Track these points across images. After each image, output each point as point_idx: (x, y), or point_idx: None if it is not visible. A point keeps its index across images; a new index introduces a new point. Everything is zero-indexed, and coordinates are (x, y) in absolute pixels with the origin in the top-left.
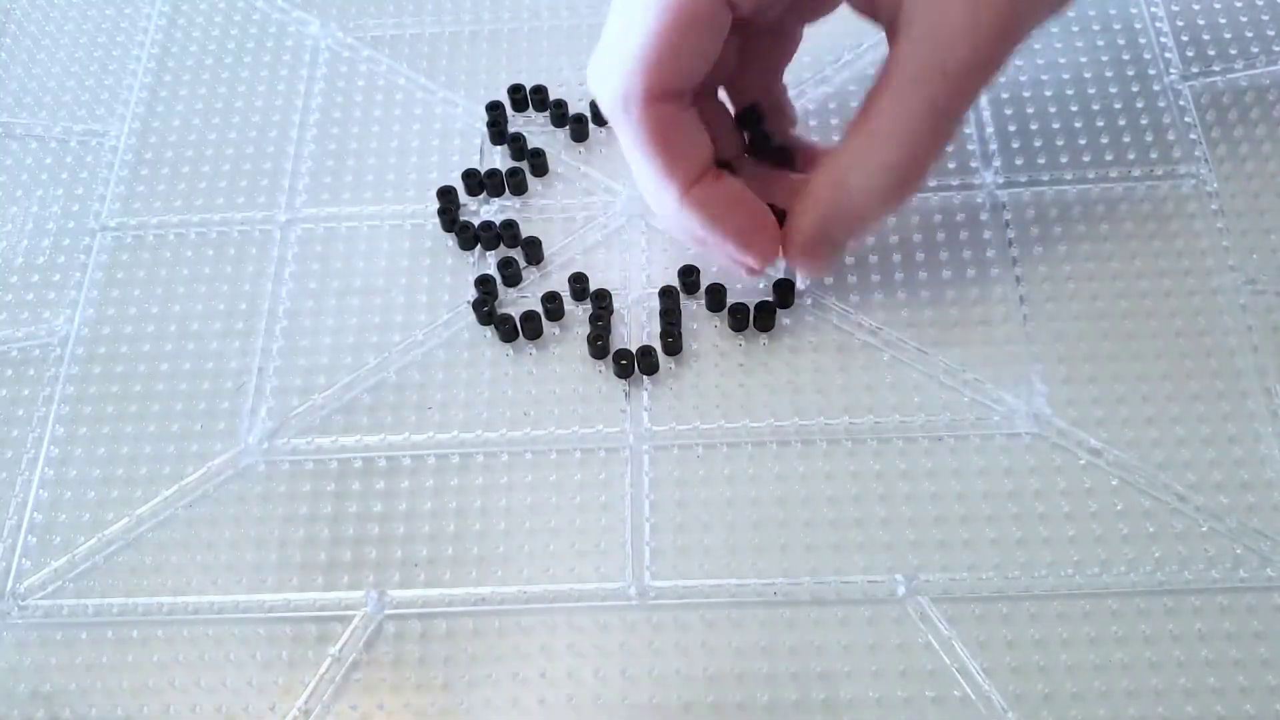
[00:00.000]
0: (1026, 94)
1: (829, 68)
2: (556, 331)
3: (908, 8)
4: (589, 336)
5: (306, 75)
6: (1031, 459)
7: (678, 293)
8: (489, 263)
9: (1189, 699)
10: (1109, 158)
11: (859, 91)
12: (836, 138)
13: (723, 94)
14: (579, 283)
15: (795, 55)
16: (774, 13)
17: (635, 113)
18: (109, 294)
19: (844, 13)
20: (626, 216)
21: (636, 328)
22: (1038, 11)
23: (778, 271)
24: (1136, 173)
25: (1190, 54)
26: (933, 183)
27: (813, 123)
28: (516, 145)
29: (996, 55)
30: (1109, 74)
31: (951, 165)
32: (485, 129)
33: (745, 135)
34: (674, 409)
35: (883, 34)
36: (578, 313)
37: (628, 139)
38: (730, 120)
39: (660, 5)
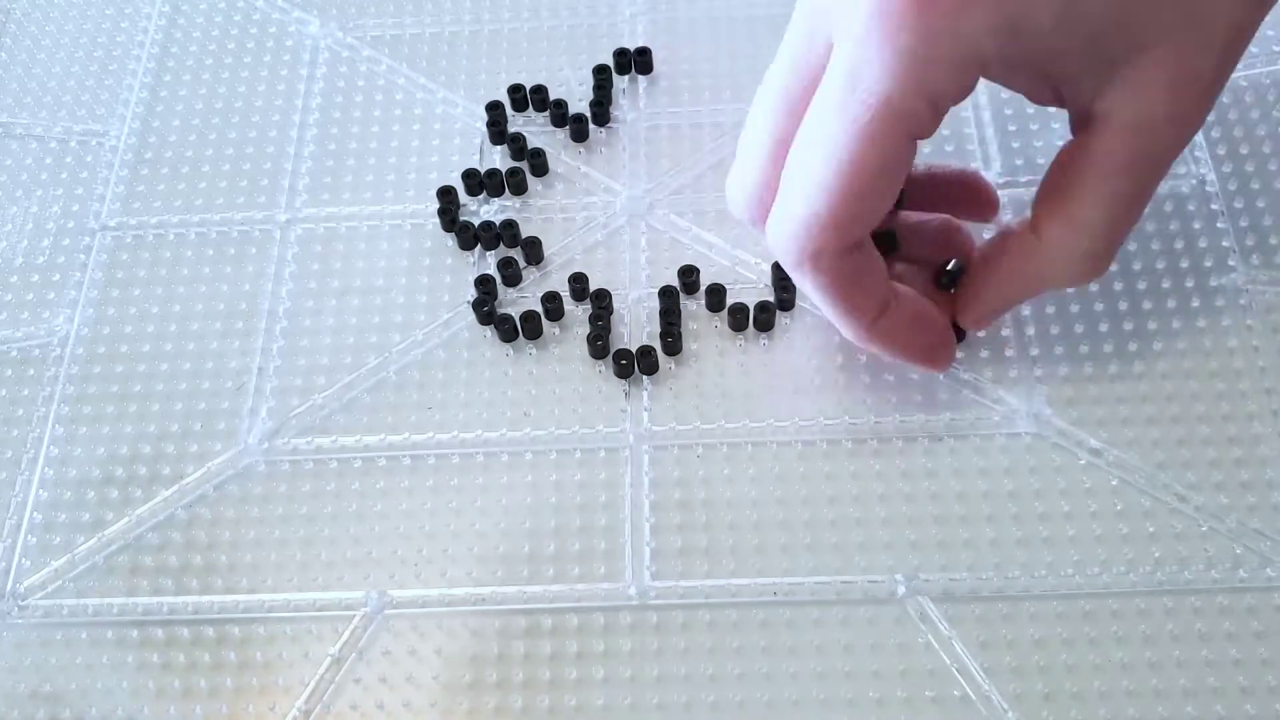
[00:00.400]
0: None
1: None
2: (556, 331)
3: (1107, 98)
4: (589, 336)
5: (306, 75)
6: (1031, 459)
7: (678, 293)
8: (489, 263)
9: (1189, 699)
10: None
11: None
12: None
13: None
14: (579, 283)
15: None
16: None
17: (824, 269)
18: (109, 294)
19: None
20: (626, 216)
21: (636, 328)
22: (1228, 75)
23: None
24: None
25: None
26: None
27: None
28: (516, 145)
29: (1193, 134)
30: None
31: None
32: (485, 129)
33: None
34: (674, 409)
35: None
36: (578, 313)
37: (811, 290)
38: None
39: (848, 158)
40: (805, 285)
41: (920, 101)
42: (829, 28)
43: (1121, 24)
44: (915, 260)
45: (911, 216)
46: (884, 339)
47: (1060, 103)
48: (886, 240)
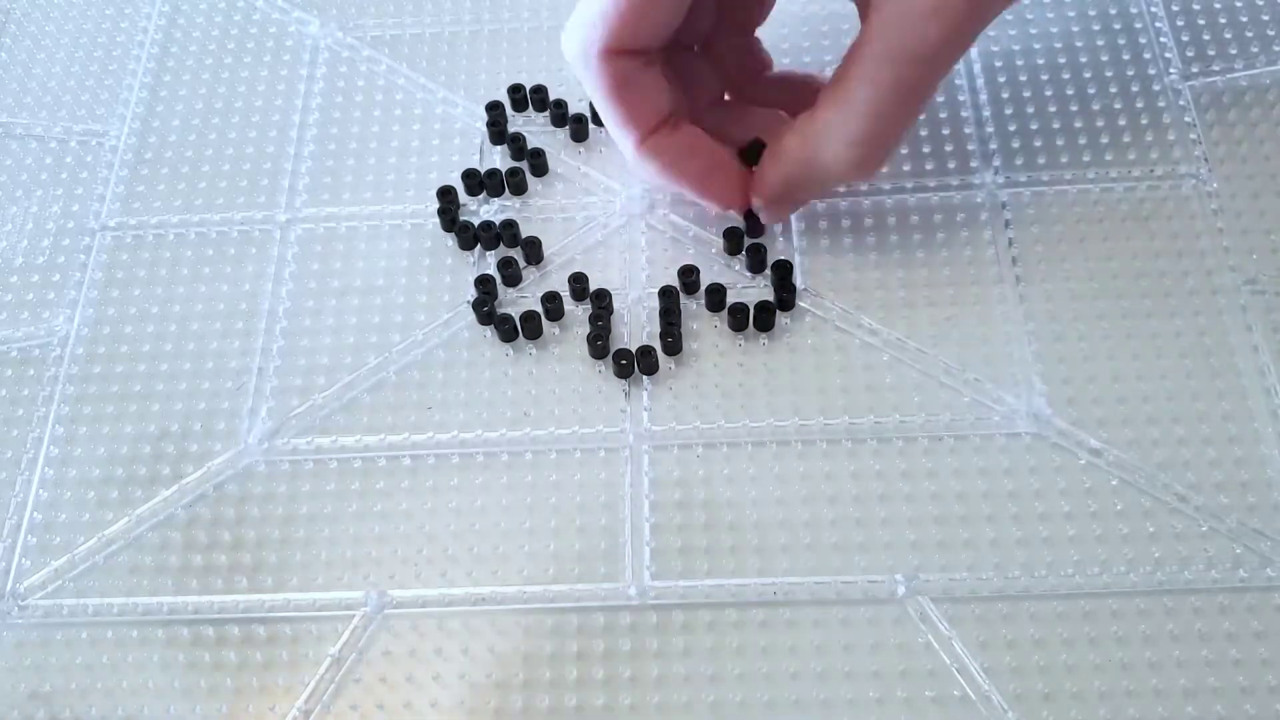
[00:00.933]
0: (1026, 94)
1: (829, 68)
2: (556, 331)
3: None
4: (589, 336)
5: (306, 75)
6: (1031, 459)
7: (678, 293)
8: (489, 263)
9: (1189, 699)
10: (1109, 158)
11: None
12: None
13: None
14: (579, 283)
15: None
16: None
17: (593, 65)
18: (109, 294)
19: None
20: (626, 216)
21: (636, 328)
22: None
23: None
24: (1136, 173)
25: (1190, 54)
26: (932, 183)
27: None
28: (516, 145)
29: (964, 36)
30: (1109, 74)
31: (951, 165)
32: (485, 129)
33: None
34: (674, 409)
35: None
36: (578, 313)
37: (588, 89)
38: (707, 71)
39: None
40: (587, 85)
41: None
42: None
43: None
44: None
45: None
46: (656, 157)
47: None
48: (751, 153)
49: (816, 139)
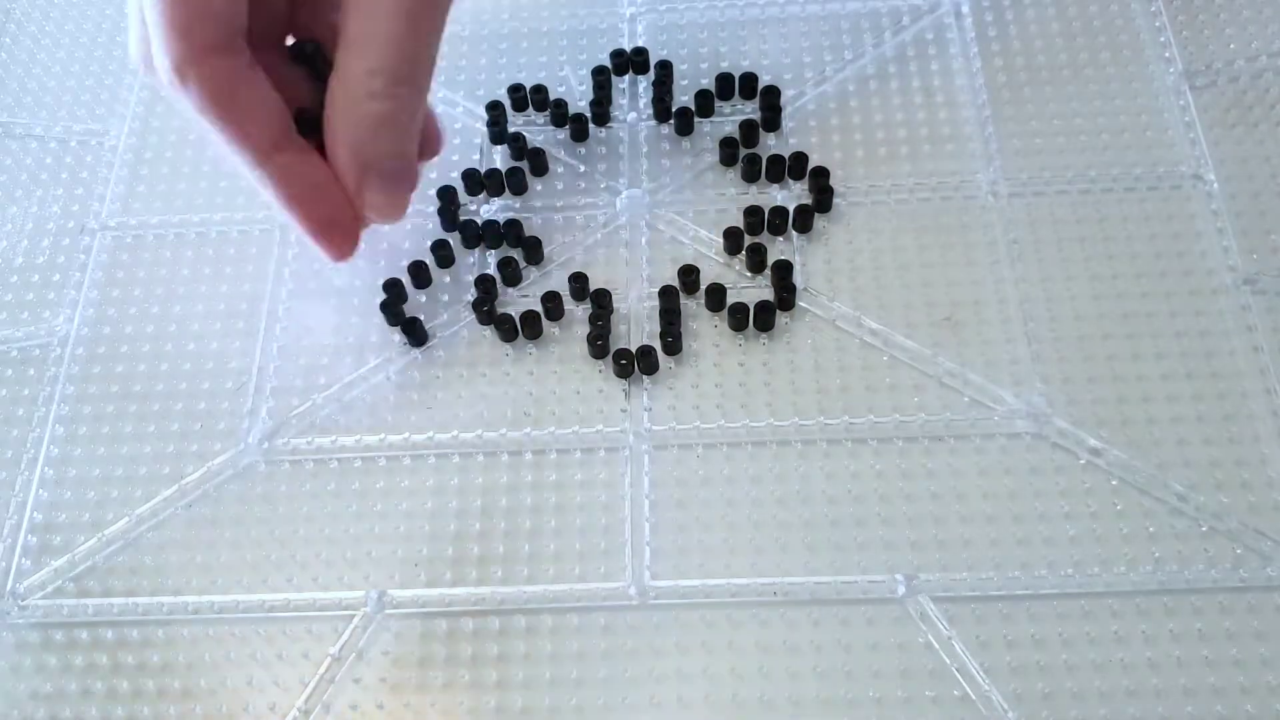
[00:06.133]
0: (1026, 94)
1: (829, 68)
2: (556, 331)
3: None
4: (589, 336)
5: None
6: (1031, 459)
7: (678, 293)
8: (489, 262)
9: (1189, 699)
10: (1109, 157)
11: (859, 91)
12: (837, 138)
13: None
14: (579, 283)
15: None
16: None
17: (191, 80)
18: (109, 294)
19: (839, 18)
20: (626, 216)
21: (636, 328)
22: None
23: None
24: (1137, 172)
25: (1190, 54)
26: (932, 182)
27: (813, 123)
28: (516, 145)
29: None
30: (1109, 74)
31: (951, 165)
32: (485, 129)
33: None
34: (674, 409)
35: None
36: (578, 313)
37: (196, 114)
38: (303, 73)
39: None
40: (190, 109)
41: None
42: None
43: None
44: None
45: None
46: (281, 179)
47: None
48: (305, 55)
49: (351, 91)
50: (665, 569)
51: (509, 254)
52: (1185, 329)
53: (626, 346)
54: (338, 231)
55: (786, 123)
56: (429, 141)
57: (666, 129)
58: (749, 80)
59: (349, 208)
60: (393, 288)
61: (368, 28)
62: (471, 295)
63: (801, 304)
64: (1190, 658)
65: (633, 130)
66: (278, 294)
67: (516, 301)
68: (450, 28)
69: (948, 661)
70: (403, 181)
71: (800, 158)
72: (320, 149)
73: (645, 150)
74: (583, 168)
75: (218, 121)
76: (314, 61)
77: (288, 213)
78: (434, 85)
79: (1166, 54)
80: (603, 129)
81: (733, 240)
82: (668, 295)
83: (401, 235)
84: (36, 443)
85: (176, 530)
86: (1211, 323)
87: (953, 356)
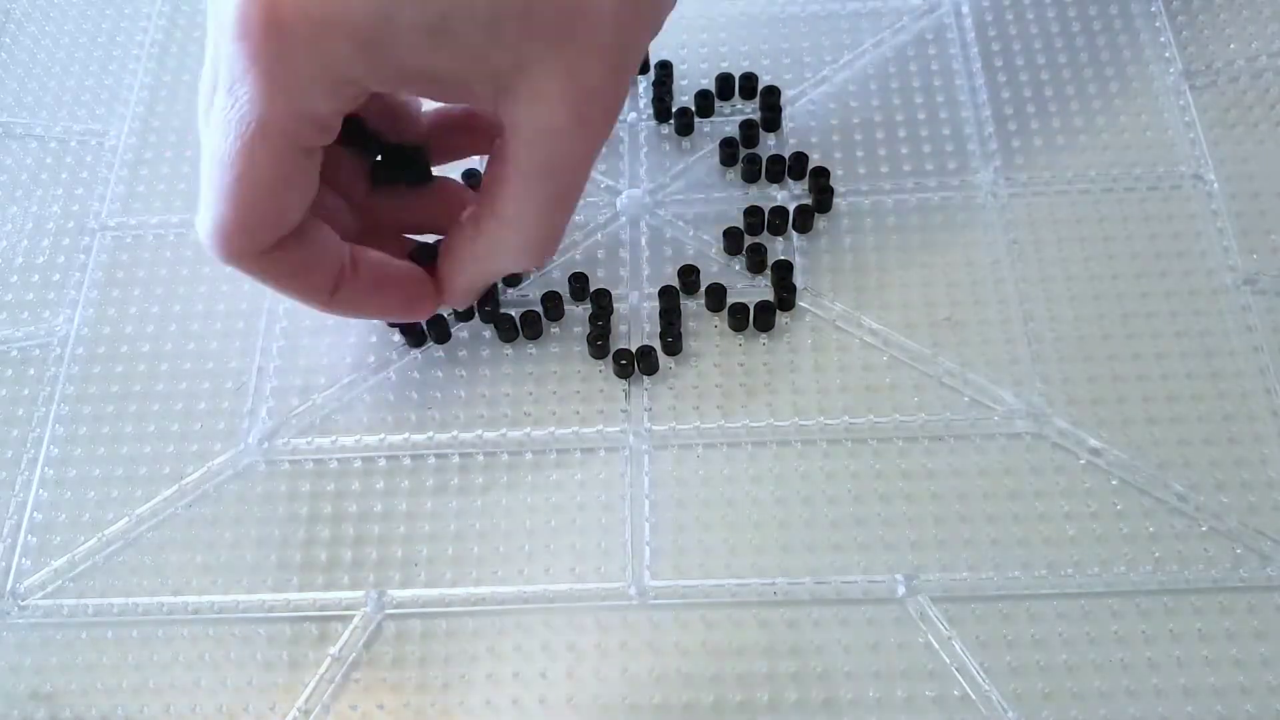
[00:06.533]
0: (1027, 94)
1: (829, 68)
2: (556, 331)
3: (509, 110)
4: (589, 336)
5: None
6: (1031, 459)
7: (678, 293)
8: None
9: (1189, 699)
10: (1109, 157)
11: (859, 91)
12: (837, 138)
13: None
14: (579, 283)
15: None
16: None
17: (252, 267)
18: (109, 294)
19: (839, 18)
20: (626, 216)
21: (636, 328)
22: (629, 83)
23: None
24: (1137, 172)
25: (1190, 54)
26: (932, 183)
27: (813, 123)
28: None
29: (602, 139)
30: (1109, 74)
31: (951, 165)
32: None
33: (366, 162)
34: (674, 409)
35: (883, 36)
36: (578, 312)
37: (258, 282)
38: (351, 162)
39: (238, 171)
40: (259, 280)
41: (296, 121)
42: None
43: (499, 41)
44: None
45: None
46: (348, 308)
47: (474, 103)
48: (353, 133)
49: (490, 250)
50: (665, 569)
51: None
52: (1185, 329)
53: (626, 346)
54: (416, 305)
55: (786, 123)
56: None
57: (666, 129)
58: (749, 80)
59: (415, 280)
60: None
61: (523, 214)
62: None
63: (801, 304)
64: (1190, 658)
65: (633, 130)
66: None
67: (517, 301)
68: None
69: (948, 661)
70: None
71: (800, 158)
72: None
73: (645, 150)
74: None
75: (283, 291)
76: (357, 138)
77: (369, 317)
78: None
79: (1166, 54)
80: None
81: (733, 240)
82: (668, 295)
83: None
84: (36, 443)
85: (176, 530)
86: (1211, 323)
87: (953, 356)
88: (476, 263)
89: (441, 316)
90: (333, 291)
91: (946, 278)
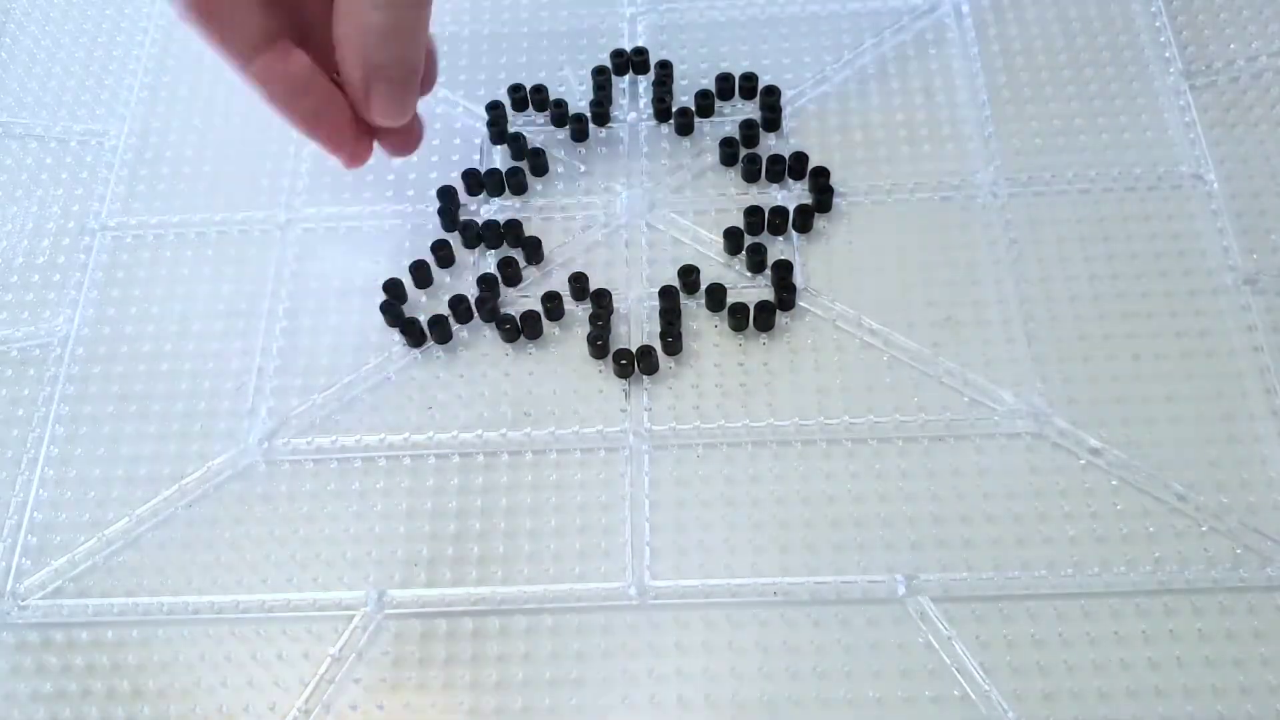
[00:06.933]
0: (1027, 94)
1: (829, 67)
2: (556, 331)
3: None
4: (589, 336)
5: None
6: (1031, 459)
7: (678, 293)
8: (489, 262)
9: (1189, 699)
10: (1109, 157)
11: (859, 90)
12: (837, 138)
13: None
14: (579, 283)
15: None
16: None
17: None
18: (109, 294)
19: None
20: (626, 216)
21: (636, 328)
22: None
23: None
24: (1137, 172)
25: (1190, 54)
26: (932, 182)
27: (813, 123)
28: (516, 145)
29: None
30: (1109, 74)
31: (951, 165)
32: (485, 129)
33: None
34: (674, 409)
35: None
36: (578, 313)
37: (176, 15)
38: None
39: None
40: (174, 7)
41: None
42: None
43: None
44: None
45: None
46: (264, 86)
47: None
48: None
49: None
50: (665, 569)
51: (509, 254)
52: (1185, 329)
53: (626, 346)
54: (330, 128)
55: (786, 123)
56: (425, 74)
57: (666, 129)
58: (749, 80)
59: (343, 106)
60: (393, 288)
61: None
62: (472, 295)
63: (801, 304)
64: (1190, 657)
65: (633, 130)
66: (278, 294)
67: (517, 301)
68: (450, 28)
69: (948, 661)
70: (408, 88)
71: (800, 158)
72: None
73: (645, 150)
74: (583, 168)
75: (196, 27)
76: None
77: (280, 114)
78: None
79: (1166, 54)
80: (603, 129)
81: (733, 240)
82: (668, 295)
83: (402, 235)
84: (36, 443)
85: (176, 530)
86: (1211, 323)
87: (953, 356)
88: (350, 21)
89: (442, 317)
90: (250, 55)
91: (946, 278)
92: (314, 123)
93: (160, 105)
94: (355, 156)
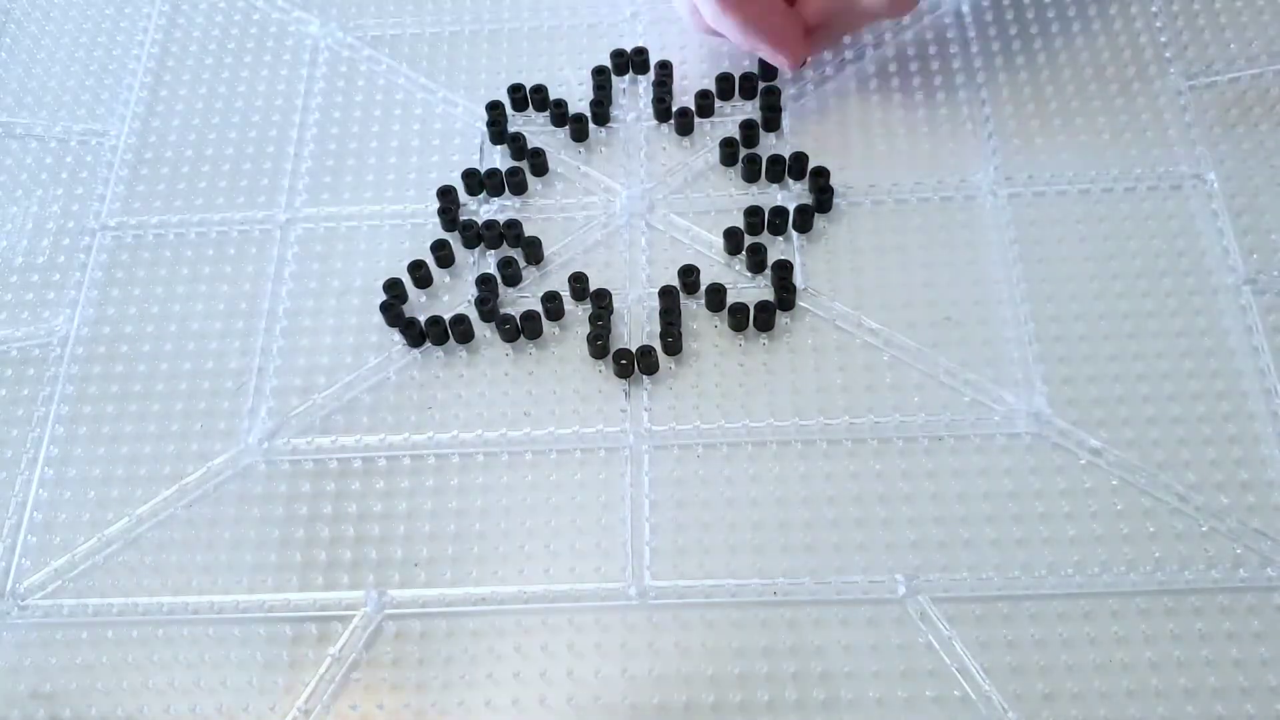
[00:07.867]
0: (1027, 94)
1: (829, 68)
2: (556, 331)
3: None
4: (589, 336)
5: (306, 75)
6: (1031, 459)
7: (678, 293)
8: (489, 262)
9: (1189, 699)
10: (1109, 158)
11: (859, 91)
12: (837, 138)
13: None
14: (579, 283)
15: None
16: None
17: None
18: (109, 294)
19: None
20: (626, 216)
21: (636, 328)
22: None
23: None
24: (1137, 172)
25: (1190, 54)
26: (932, 182)
27: (813, 123)
28: (516, 145)
29: None
30: (1109, 74)
31: (951, 165)
32: (485, 129)
33: None
34: (674, 409)
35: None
36: (578, 313)
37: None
38: None
39: None
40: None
41: None
42: None
43: None
44: None
45: None
46: (736, 14)
47: None
48: None
49: None
50: (665, 569)
51: (509, 254)
52: (1185, 329)
53: (626, 346)
54: (790, 41)
55: (786, 123)
56: None
57: (666, 129)
58: (749, 80)
59: (795, 20)
60: (393, 288)
61: None
62: (472, 295)
63: (801, 304)
64: (1191, 658)
65: (633, 130)
66: (278, 294)
67: (517, 301)
68: (450, 27)
69: (948, 662)
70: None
71: (800, 158)
72: None
73: (645, 150)
74: (583, 168)
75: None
76: None
77: (744, 36)
78: (434, 85)
79: (1166, 54)
80: (603, 129)
81: (733, 240)
82: (668, 295)
83: (402, 235)
84: (36, 443)
85: (176, 530)
86: (1211, 323)
87: (953, 356)
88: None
89: (442, 318)
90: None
91: (946, 278)
92: (776, 40)
93: (160, 105)
94: (796, 56)
